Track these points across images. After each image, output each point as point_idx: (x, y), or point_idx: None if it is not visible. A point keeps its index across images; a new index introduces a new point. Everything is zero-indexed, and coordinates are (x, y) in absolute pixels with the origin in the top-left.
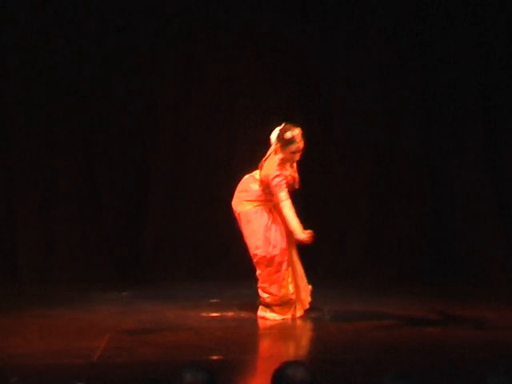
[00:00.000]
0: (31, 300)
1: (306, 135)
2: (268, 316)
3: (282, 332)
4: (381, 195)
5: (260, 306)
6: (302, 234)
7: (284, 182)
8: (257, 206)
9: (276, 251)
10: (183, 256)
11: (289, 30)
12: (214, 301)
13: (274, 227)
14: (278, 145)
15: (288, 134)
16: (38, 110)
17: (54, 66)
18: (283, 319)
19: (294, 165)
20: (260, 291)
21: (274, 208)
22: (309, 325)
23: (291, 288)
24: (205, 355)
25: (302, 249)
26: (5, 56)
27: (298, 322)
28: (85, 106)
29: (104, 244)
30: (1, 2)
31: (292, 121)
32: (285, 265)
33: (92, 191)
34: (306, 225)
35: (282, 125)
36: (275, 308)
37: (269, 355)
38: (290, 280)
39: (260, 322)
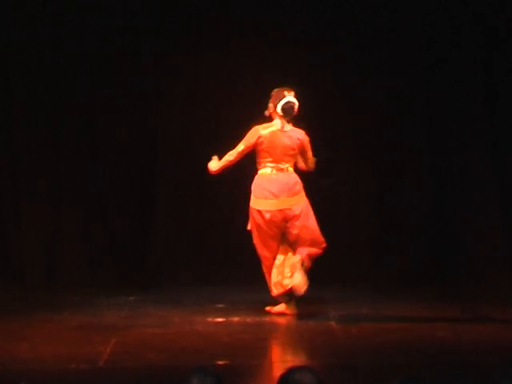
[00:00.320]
0: (38, 305)
1: (312, 142)
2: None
3: (288, 337)
4: (384, 198)
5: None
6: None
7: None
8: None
9: None
10: (190, 261)
11: (290, 28)
12: (221, 305)
13: None
14: None
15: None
16: (45, 116)
17: (60, 68)
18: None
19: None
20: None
21: None
22: (315, 329)
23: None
24: (211, 360)
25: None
26: (9, 57)
27: (304, 326)
28: (91, 111)
29: (110, 249)
30: (7, 3)
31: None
32: None
33: (98, 195)
34: None
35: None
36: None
37: (275, 360)
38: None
39: (266, 326)
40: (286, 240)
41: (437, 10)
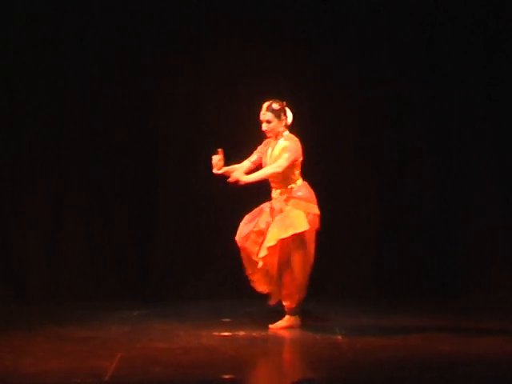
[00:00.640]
0: (42, 319)
1: (312, 142)
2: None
3: (294, 350)
4: (389, 211)
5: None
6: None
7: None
8: None
9: None
10: (194, 275)
11: (290, 28)
12: (226, 320)
13: None
14: None
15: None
16: (45, 116)
17: (60, 69)
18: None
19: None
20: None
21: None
22: (320, 343)
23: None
24: (217, 374)
25: (314, 267)
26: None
27: (310, 340)
28: (91, 111)
29: (115, 263)
30: (11, 5)
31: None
32: None
33: (102, 210)
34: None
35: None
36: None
37: (280, 374)
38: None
39: (271, 340)
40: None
41: (437, 10)
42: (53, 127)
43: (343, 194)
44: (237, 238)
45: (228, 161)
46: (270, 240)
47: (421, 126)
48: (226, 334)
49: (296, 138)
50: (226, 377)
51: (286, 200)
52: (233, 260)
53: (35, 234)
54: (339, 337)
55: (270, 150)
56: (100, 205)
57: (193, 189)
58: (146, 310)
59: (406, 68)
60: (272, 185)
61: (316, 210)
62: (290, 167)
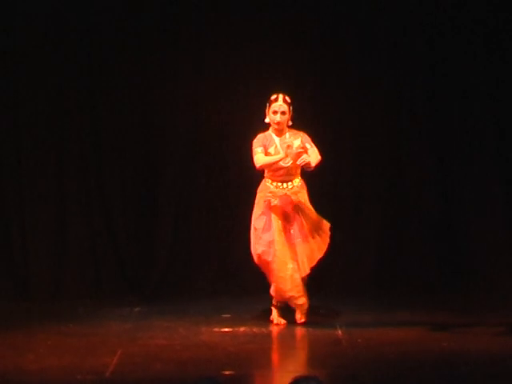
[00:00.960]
0: (43, 316)
1: (314, 140)
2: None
3: (294, 346)
4: (389, 209)
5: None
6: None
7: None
8: None
9: None
10: (195, 271)
11: (293, 26)
12: (226, 316)
13: None
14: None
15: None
16: (47, 119)
17: (62, 69)
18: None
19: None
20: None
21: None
22: (320, 339)
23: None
24: (217, 370)
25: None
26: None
27: (310, 337)
28: (94, 112)
29: (116, 260)
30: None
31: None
32: None
33: (103, 208)
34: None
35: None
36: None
37: (281, 370)
38: None
39: (272, 336)
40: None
41: (438, 10)
42: (54, 122)
43: (344, 192)
44: (259, 253)
45: (241, 176)
46: (313, 261)
47: (421, 124)
48: (227, 330)
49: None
50: (227, 373)
51: (302, 187)
52: (233, 256)
53: (36, 231)
54: (339, 332)
55: (277, 146)
56: (101, 202)
57: (193, 186)
58: (146, 306)
59: (407, 67)
60: (285, 178)
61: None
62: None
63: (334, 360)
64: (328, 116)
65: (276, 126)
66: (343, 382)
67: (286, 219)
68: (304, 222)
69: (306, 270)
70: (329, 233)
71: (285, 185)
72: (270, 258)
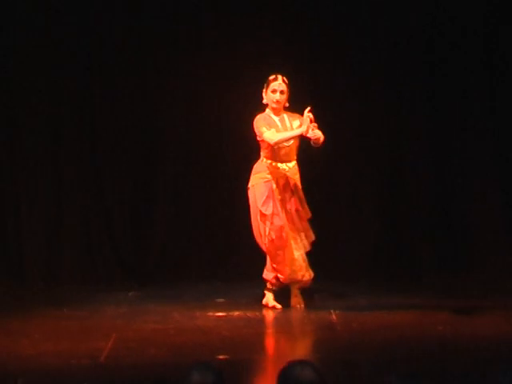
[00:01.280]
0: (38, 301)
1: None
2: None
3: (289, 331)
4: (385, 194)
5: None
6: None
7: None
8: None
9: None
10: (189, 256)
11: (292, 27)
12: (221, 300)
13: None
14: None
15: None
16: (45, 115)
17: (60, 68)
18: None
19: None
20: None
21: None
22: (315, 324)
23: None
24: (212, 355)
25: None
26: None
27: (305, 321)
28: (91, 110)
29: (111, 245)
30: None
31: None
32: None
33: (98, 192)
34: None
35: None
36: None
37: (275, 355)
38: None
39: (266, 320)
40: None
41: (438, 10)
42: (53, 126)
43: (342, 178)
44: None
45: (236, 161)
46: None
47: (426, 125)
48: (221, 314)
49: None
50: (221, 357)
51: (298, 171)
52: (227, 241)
53: (31, 217)
54: (334, 317)
55: (286, 123)
56: (97, 187)
57: (190, 172)
58: (141, 291)
59: (406, 65)
60: (284, 158)
61: None
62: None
63: (328, 344)
64: (328, 116)
65: (275, 105)
66: (338, 367)
67: (285, 200)
68: (298, 204)
69: (307, 247)
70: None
71: (284, 165)
72: (283, 243)
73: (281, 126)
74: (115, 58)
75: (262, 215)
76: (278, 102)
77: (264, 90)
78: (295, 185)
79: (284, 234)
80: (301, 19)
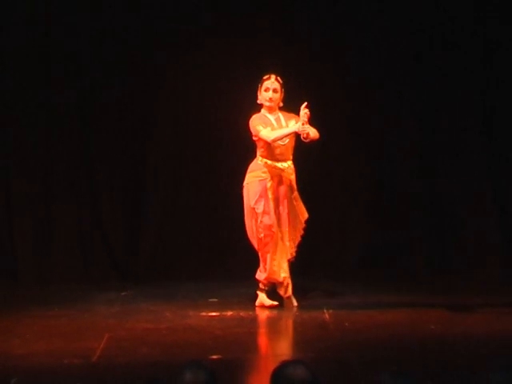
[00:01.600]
0: (30, 301)
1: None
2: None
3: (281, 330)
4: (380, 193)
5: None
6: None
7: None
8: None
9: None
10: (182, 256)
11: (291, 28)
12: (213, 300)
13: None
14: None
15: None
16: (37, 116)
17: (56, 68)
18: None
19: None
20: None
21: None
22: (308, 323)
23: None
24: (204, 354)
25: (301, 246)
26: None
27: (297, 320)
28: (84, 111)
29: (103, 244)
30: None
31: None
32: None
33: (90, 191)
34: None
35: None
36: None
37: (268, 354)
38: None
39: (259, 320)
40: None
41: (437, 10)
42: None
43: (333, 176)
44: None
45: (231, 162)
46: (294, 246)
47: (419, 125)
48: (214, 314)
49: None
50: (214, 357)
51: (294, 171)
52: (221, 241)
53: (23, 217)
54: (327, 316)
55: (282, 123)
56: (88, 186)
57: (184, 172)
58: (133, 290)
59: (403, 64)
60: (280, 157)
61: None
62: None
63: (321, 343)
64: (327, 116)
65: (268, 103)
66: (330, 366)
67: (278, 200)
68: (290, 206)
69: (292, 253)
70: (304, 224)
71: (280, 164)
72: (270, 241)
73: (276, 125)
74: (115, 57)
75: (254, 213)
76: (270, 99)
77: (258, 90)
78: (290, 185)
79: (272, 234)
80: (301, 19)
